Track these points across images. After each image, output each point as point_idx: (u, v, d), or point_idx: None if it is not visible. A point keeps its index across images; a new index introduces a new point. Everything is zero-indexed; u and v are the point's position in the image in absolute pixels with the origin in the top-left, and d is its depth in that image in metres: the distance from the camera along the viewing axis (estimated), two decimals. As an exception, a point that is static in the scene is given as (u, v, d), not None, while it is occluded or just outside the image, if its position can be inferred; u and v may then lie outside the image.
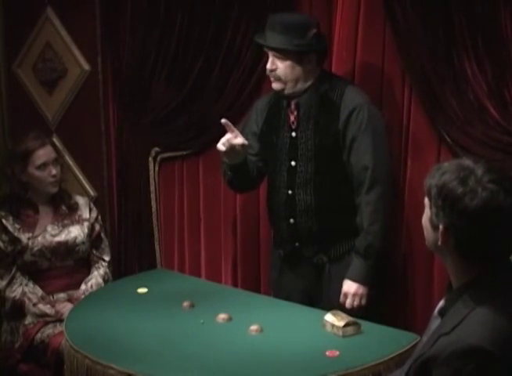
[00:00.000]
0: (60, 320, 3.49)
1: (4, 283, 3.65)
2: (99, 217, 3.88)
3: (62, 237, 3.69)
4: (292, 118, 3.27)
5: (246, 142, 3.21)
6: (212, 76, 3.79)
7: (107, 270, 3.79)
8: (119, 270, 4.17)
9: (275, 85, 3.22)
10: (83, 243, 3.73)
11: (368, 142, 3.14)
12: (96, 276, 3.75)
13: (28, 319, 3.63)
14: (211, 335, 2.89)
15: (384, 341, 2.79)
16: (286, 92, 3.22)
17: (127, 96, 4.10)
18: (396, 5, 3.21)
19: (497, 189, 1.90)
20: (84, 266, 3.80)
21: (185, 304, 3.14)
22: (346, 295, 3.18)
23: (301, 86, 3.20)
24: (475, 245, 1.95)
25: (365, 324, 2.88)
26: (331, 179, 3.23)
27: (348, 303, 3.17)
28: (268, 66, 3.20)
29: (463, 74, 3.12)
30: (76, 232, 3.73)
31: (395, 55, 3.34)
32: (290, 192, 3.27)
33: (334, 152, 3.20)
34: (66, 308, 3.58)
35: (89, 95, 4.33)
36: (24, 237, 3.65)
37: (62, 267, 3.71)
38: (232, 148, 3.18)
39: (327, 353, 2.68)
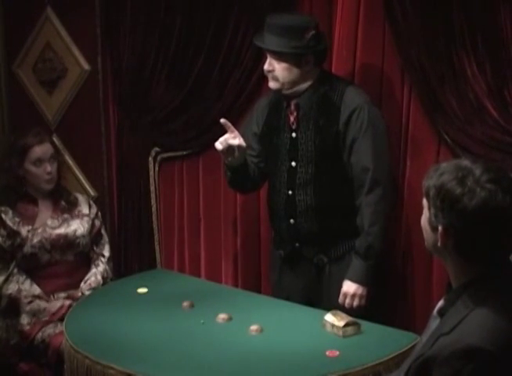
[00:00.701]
0: (60, 319, 3.49)
1: (1, 279, 3.66)
2: (99, 213, 3.89)
3: (62, 230, 3.71)
4: (292, 119, 3.27)
5: (243, 144, 3.20)
6: (212, 76, 3.79)
7: (106, 267, 3.80)
8: (119, 270, 4.17)
9: (272, 84, 3.22)
10: (83, 236, 3.74)
11: (368, 143, 3.14)
12: (95, 274, 3.75)
13: (24, 318, 3.63)
14: (211, 335, 2.89)
15: (384, 341, 2.79)
16: (284, 92, 3.22)
17: (127, 96, 4.10)
18: (396, 5, 3.21)
19: (495, 188, 1.90)
20: (84, 264, 3.80)
21: (185, 304, 3.14)
22: (345, 295, 3.18)
23: (299, 87, 3.20)
24: (474, 245, 1.95)
25: (365, 324, 2.88)
26: (331, 180, 3.23)
27: (348, 303, 3.18)
28: (266, 66, 3.20)
29: (463, 74, 3.12)
30: (76, 225, 3.74)
31: (395, 54, 3.34)
32: (290, 192, 3.27)
33: (334, 153, 3.20)
34: (55, 305, 3.60)
35: (89, 95, 4.33)
36: (24, 230, 3.66)
37: (62, 263, 3.71)
38: (229, 148, 3.18)
39: (327, 353, 2.68)
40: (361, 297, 3.18)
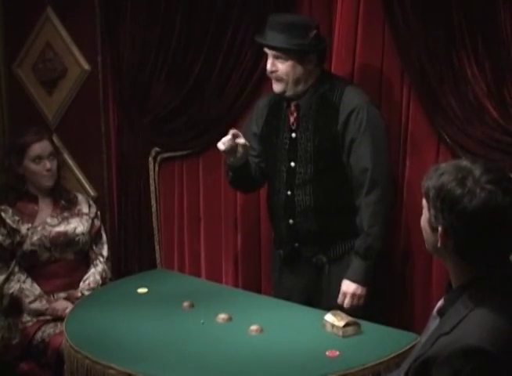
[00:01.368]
0: (60, 319, 3.49)
1: (1, 278, 3.66)
2: (99, 213, 3.89)
3: (61, 228, 3.71)
4: (292, 119, 3.27)
5: (247, 143, 3.21)
6: (212, 76, 3.79)
7: (105, 267, 3.80)
8: (119, 270, 4.18)
9: (277, 87, 3.21)
10: (82, 234, 3.74)
11: (367, 143, 3.14)
12: (94, 274, 3.75)
13: (25, 317, 3.63)
14: (211, 335, 2.89)
15: (384, 341, 2.79)
16: (288, 93, 3.22)
17: (127, 96, 4.10)
18: (395, 5, 3.21)
19: (495, 189, 1.90)
20: (84, 264, 3.80)
21: (185, 304, 3.14)
22: (345, 295, 3.18)
23: (301, 87, 3.20)
24: (475, 246, 1.95)
25: (365, 324, 2.88)
26: (330, 180, 3.23)
27: (347, 303, 3.18)
28: (269, 67, 3.20)
29: (463, 74, 3.12)
30: (75, 223, 3.75)
31: (395, 55, 3.33)
32: (289, 193, 3.27)
33: (333, 153, 3.20)
34: (61, 305, 3.60)
35: (89, 95, 4.33)
36: (24, 228, 3.67)
37: (62, 261, 3.71)
38: (232, 148, 3.19)
39: (327, 353, 2.68)
40: (360, 297, 3.18)
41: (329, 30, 3.47)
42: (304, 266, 3.34)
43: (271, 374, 2.63)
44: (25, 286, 3.65)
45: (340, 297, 3.19)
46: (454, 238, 1.95)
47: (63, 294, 3.70)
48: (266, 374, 2.62)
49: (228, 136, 3.19)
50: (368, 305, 3.21)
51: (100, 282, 3.74)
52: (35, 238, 3.66)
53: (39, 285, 3.67)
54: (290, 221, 3.29)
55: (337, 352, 2.68)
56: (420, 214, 2.07)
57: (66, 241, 3.71)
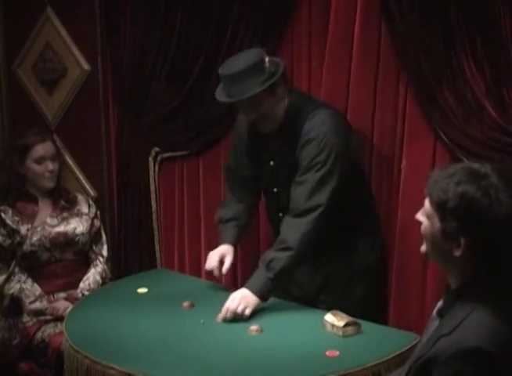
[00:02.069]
0: (60, 319, 3.49)
1: (2, 278, 3.66)
2: (98, 213, 3.90)
3: (61, 228, 3.72)
4: (268, 147, 3.23)
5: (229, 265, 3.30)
6: (212, 76, 3.78)
7: (105, 267, 3.80)
8: (119, 270, 4.18)
9: (264, 128, 3.15)
10: (82, 234, 3.75)
11: (308, 183, 3.06)
12: (94, 274, 3.75)
13: (26, 317, 3.63)
14: (211, 335, 2.89)
15: (384, 341, 2.79)
16: (270, 128, 3.16)
17: (127, 96, 4.10)
18: (393, 4, 3.20)
19: None
20: (84, 264, 3.81)
21: (185, 304, 3.14)
22: (233, 299, 3.00)
23: (279, 118, 3.12)
24: (499, 253, 1.93)
25: (365, 324, 2.88)
26: None
27: (229, 306, 2.98)
28: (249, 119, 3.15)
29: (461, 74, 3.11)
30: (75, 223, 3.75)
31: (391, 54, 3.32)
32: (280, 214, 3.27)
33: None
34: (61, 305, 3.60)
35: (89, 95, 4.33)
36: (23, 229, 3.67)
37: (62, 261, 3.72)
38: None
39: (327, 353, 2.68)
40: (247, 305, 2.98)
41: (325, 29, 3.44)
42: (304, 266, 3.32)
43: (271, 374, 2.62)
44: (25, 286, 3.66)
45: (228, 301, 3.01)
46: (477, 247, 1.93)
47: (63, 295, 3.70)
48: (266, 374, 2.62)
49: (216, 265, 3.29)
50: (368, 305, 3.20)
51: (100, 282, 3.74)
52: (35, 238, 3.66)
53: (39, 285, 3.68)
54: None
55: (337, 352, 2.68)
56: (416, 213, 2.06)
57: (66, 241, 3.71)
